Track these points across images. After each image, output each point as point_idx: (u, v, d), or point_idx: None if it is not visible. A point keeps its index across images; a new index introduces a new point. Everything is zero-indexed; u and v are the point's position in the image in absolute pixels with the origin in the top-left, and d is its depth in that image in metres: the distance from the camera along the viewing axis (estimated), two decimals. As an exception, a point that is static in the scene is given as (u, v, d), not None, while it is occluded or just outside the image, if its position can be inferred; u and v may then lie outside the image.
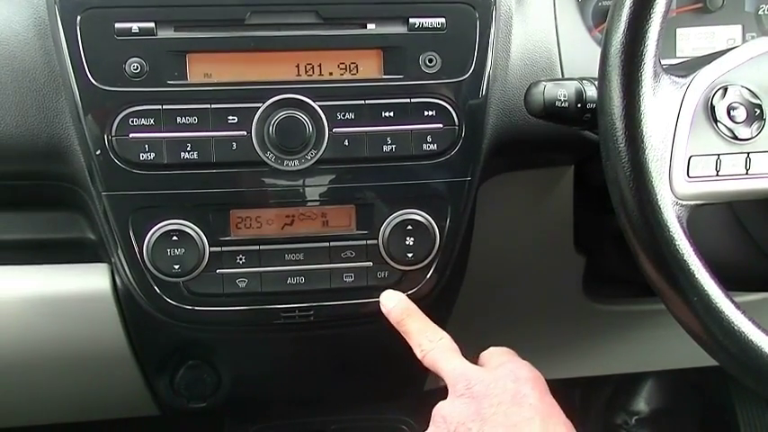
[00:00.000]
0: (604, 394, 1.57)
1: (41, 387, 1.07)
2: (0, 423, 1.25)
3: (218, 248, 0.87)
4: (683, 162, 0.71)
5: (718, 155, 0.72)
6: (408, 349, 1.12)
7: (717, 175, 0.72)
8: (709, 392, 1.59)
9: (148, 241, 0.85)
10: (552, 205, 1.03)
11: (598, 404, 1.57)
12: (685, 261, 0.67)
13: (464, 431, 0.75)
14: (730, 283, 0.69)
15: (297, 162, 0.85)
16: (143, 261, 0.85)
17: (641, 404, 1.54)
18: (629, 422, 1.53)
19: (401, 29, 0.86)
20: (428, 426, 0.80)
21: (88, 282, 0.92)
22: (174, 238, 0.85)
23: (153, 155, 0.83)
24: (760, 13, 1.01)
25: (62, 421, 1.22)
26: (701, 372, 1.37)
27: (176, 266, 0.85)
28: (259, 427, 1.16)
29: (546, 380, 1.31)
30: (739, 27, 1.01)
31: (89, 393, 1.10)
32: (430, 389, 1.26)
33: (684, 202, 0.70)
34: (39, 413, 1.18)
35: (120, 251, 0.86)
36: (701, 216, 0.72)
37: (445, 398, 0.80)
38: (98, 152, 0.83)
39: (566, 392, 1.62)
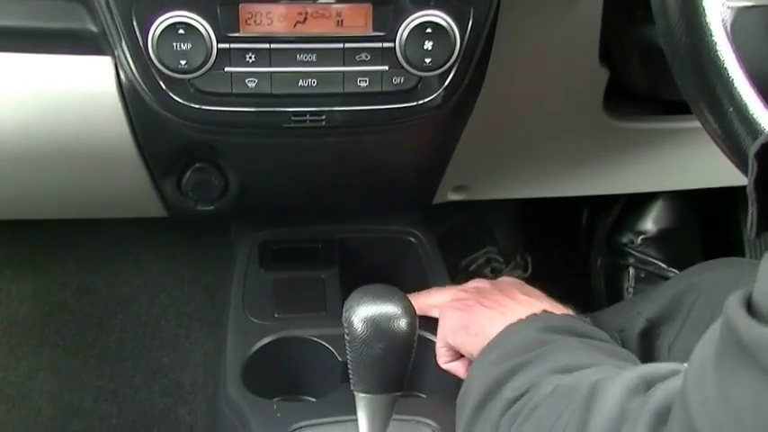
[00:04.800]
0: (612, 214, 1.57)
1: (49, 182, 1.06)
2: (11, 215, 1.26)
3: (227, 45, 0.82)
4: None
5: None
6: (419, 161, 1.11)
7: None
8: (718, 213, 1.59)
9: (153, 33, 0.80)
10: (579, 13, 0.97)
11: (605, 224, 1.57)
12: (725, 69, 0.63)
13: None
14: None
15: (312, -48, 0.79)
16: (148, 55, 0.81)
17: (648, 224, 1.54)
18: (635, 241, 1.54)
19: None
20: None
21: (91, 76, 0.89)
22: (181, 31, 0.80)
23: None
24: None
25: (73, 217, 1.23)
26: (712, 192, 1.36)
27: (182, 62, 0.81)
28: (265, 233, 1.16)
29: (555, 198, 1.31)
30: None
31: (97, 191, 1.09)
32: (438, 202, 1.26)
33: (731, 4, 0.65)
34: (49, 208, 1.18)
35: (123, 44, 0.82)
36: (749, 21, 0.67)
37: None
38: None
39: (573, 211, 1.64)
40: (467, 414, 0.73)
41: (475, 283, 0.94)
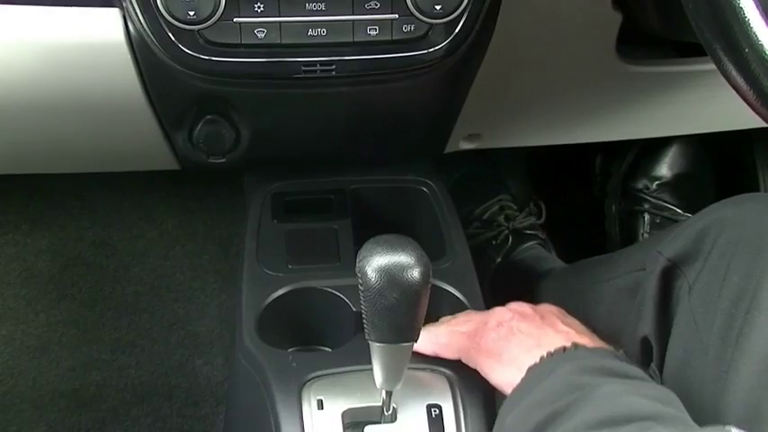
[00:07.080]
0: (626, 159, 1.55)
1: (61, 135, 1.06)
2: (25, 169, 1.27)
3: None
4: None
5: None
6: (430, 109, 1.10)
7: None
8: (733, 157, 1.58)
9: None
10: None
11: (619, 169, 1.57)
12: (741, 9, 0.62)
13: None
14: None
15: None
16: (156, 6, 0.81)
17: (663, 169, 1.53)
18: (650, 187, 1.53)
19: None
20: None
21: (100, 28, 0.88)
22: None
23: None
24: None
25: (86, 170, 1.24)
26: (727, 136, 1.35)
27: (191, 13, 0.81)
28: (278, 185, 1.16)
29: (568, 145, 1.30)
30: None
31: (108, 144, 1.10)
32: (450, 151, 1.25)
33: None
34: (62, 161, 1.19)
35: None
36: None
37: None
38: None
39: (586, 157, 1.63)
40: None
41: (515, 306, 0.88)
